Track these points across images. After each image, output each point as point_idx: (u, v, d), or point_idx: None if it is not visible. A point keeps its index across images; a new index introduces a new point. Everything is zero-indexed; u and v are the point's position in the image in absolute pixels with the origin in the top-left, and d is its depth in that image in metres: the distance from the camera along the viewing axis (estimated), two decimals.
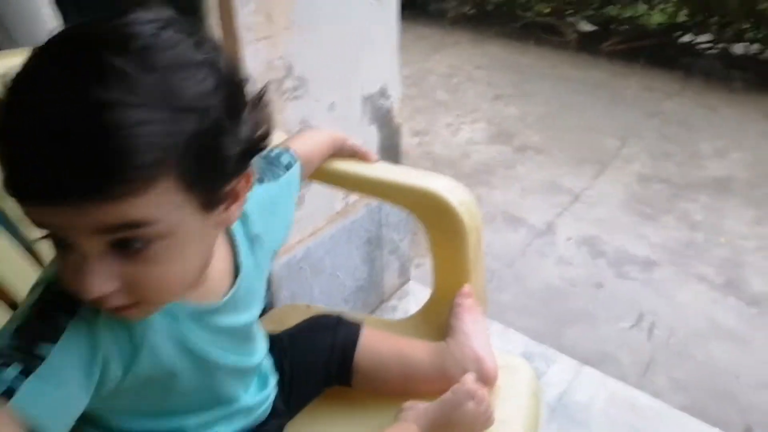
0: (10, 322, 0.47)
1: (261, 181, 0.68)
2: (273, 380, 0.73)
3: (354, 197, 1.37)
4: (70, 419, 0.47)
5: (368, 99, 1.32)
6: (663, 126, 2.68)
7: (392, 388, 0.77)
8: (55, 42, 0.41)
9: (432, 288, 0.90)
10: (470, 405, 0.68)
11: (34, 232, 0.44)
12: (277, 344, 0.76)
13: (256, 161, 0.68)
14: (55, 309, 0.47)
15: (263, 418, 0.70)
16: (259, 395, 0.69)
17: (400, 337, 0.81)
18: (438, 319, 0.85)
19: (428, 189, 0.84)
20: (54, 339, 0.45)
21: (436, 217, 0.84)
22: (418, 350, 0.78)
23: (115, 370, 0.50)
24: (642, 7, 3.27)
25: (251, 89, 0.50)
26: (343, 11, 1.17)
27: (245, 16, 0.99)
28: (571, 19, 3.51)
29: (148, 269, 0.44)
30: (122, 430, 0.57)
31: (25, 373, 0.43)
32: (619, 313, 1.69)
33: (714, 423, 1.32)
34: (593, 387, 1.38)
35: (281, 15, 1.05)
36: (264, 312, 0.73)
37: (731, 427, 1.34)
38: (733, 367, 1.52)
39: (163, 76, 0.40)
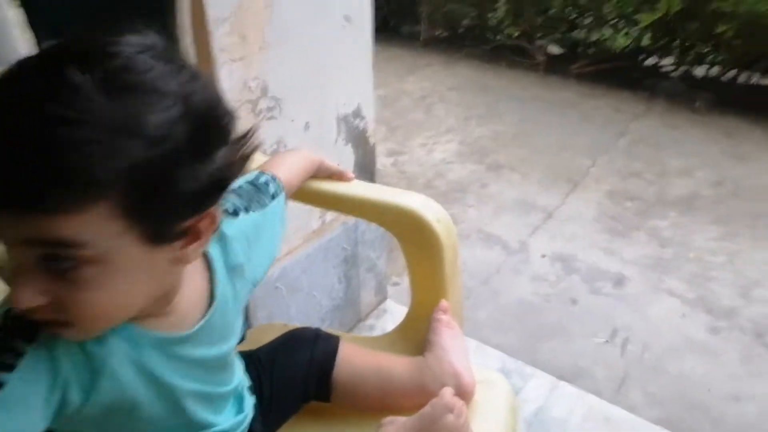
0: None
1: (247, 210, 0.67)
2: (250, 402, 0.72)
3: (330, 216, 1.37)
4: None
5: (343, 119, 1.33)
6: (631, 145, 2.75)
7: (371, 404, 0.76)
8: (33, 55, 0.42)
9: (410, 304, 0.91)
10: (449, 418, 0.68)
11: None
12: (255, 363, 0.75)
13: (245, 187, 0.67)
14: (13, 335, 0.46)
15: None
16: (234, 419, 0.68)
17: (379, 352, 0.81)
18: (416, 335, 0.85)
19: (405, 206, 0.85)
20: (12, 366, 0.45)
21: (412, 234, 0.85)
22: (396, 365, 0.78)
23: (74, 397, 0.48)
24: (608, 31, 3.37)
25: (235, 130, 0.48)
26: (316, 32, 1.18)
27: (220, 37, 0.99)
28: (540, 42, 3.60)
29: (77, 292, 0.44)
30: None
31: None
32: (593, 329, 1.71)
33: None
34: (569, 402, 1.39)
35: (255, 36, 1.05)
36: (242, 338, 0.72)
37: None
38: (705, 381, 1.55)
39: (122, 98, 0.40)
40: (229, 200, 0.65)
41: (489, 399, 0.80)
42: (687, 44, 3.16)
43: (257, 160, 0.88)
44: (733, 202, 2.34)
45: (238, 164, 0.49)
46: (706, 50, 3.14)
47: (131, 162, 0.40)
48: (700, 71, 3.27)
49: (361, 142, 1.41)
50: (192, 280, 0.56)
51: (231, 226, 0.63)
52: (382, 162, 2.52)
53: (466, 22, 3.84)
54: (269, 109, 1.13)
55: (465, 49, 3.78)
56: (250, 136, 0.50)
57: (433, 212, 0.85)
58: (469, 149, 2.73)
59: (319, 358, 0.76)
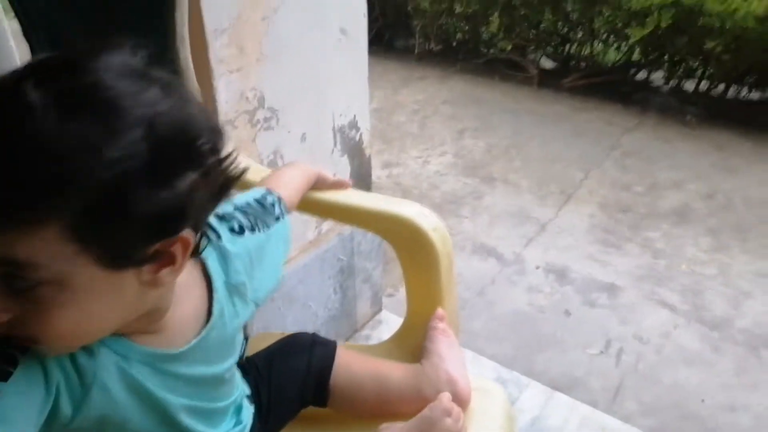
0: None
1: (253, 229, 0.66)
2: (249, 411, 0.71)
3: (327, 226, 1.38)
4: None
5: (339, 130, 1.34)
6: (623, 158, 2.78)
7: (368, 409, 0.76)
8: (20, 67, 0.42)
9: (406, 313, 0.91)
10: (448, 422, 0.68)
11: None
12: (253, 370, 0.75)
13: (253, 205, 0.66)
14: (6, 345, 0.46)
15: None
16: (232, 430, 0.67)
17: (376, 358, 0.82)
18: (412, 344, 0.85)
19: (401, 215, 0.86)
20: (5, 377, 0.44)
21: (409, 243, 0.86)
22: (393, 371, 0.78)
23: (66, 409, 0.48)
24: (599, 46, 3.42)
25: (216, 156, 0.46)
26: (313, 44, 1.19)
27: (218, 49, 1.00)
28: (532, 56, 3.64)
29: (35, 312, 0.43)
30: None
31: None
32: (587, 340, 1.72)
33: None
34: (565, 412, 1.40)
35: (253, 47, 1.07)
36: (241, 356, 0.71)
37: None
38: (699, 391, 1.55)
39: (75, 118, 0.39)
40: (235, 218, 0.65)
41: (486, 407, 0.80)
42: (677, 59, 3.20)
43: (258, 170, 0.89)
44: (724, 214, 2.36)
45: (211, 188, 0.47)
46: (695, 65, 3.18)
47: (80, 184, 0.39)
48: (690, 85, 3.31)
49: (357, 153, 1.42)
50: (189, 298, 0.56)
51: (235, 244, 0.62)
52: (377, 174, 2.54)
53: (459, 36, 3.88)
54: (266, 119, 1.14)
55: (459, 63, 3.82)
56: (230, 162, 0.48)
57: (429, 221, 0.86)
58: (463, 161, 2.75)
59: (316, 363, 0.76)
